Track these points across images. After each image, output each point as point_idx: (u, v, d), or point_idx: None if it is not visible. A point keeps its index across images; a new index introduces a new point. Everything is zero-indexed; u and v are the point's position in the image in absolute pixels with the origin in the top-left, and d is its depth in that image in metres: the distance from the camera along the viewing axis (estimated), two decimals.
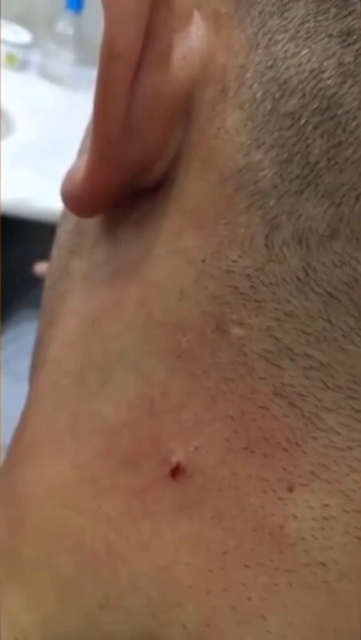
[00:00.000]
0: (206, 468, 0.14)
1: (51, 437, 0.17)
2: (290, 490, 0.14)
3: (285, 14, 0.14)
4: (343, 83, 0.13)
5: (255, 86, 0.14)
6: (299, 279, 0.13)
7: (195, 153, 0.15)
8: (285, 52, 0.13)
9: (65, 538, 0.15)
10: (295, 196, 0.13)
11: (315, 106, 0.13)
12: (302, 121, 0.13)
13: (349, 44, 0.13)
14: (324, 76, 0.13)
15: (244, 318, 0.14)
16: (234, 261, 0.14)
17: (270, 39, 0.14)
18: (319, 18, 0.13)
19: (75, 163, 0.17)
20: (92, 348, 0.16)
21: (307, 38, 0.13)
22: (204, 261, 0.14)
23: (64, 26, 1.09)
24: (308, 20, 0.13)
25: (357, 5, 0.13)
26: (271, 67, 0.14)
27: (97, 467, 0.15)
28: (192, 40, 0.15)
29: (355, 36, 0.13)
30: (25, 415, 0.18)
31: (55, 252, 0.20)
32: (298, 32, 0.13)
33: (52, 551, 0.15)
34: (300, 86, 0.13)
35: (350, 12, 0.13)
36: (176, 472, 0.14)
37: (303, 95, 0.13)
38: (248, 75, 0.14)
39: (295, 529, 0.14)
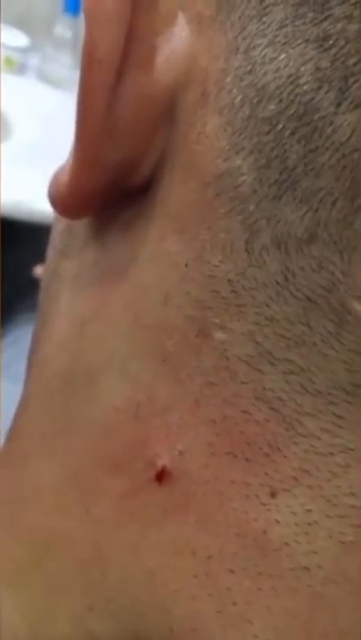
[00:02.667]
0: (191, 472, 0.14)
1: (41, 440, 0.17)
2: (272, 495, 0.14)
3: (264, 19, 0.13)
4: (320, 88, 0.13)
5: (234, 91, 0.14)
6: (278, 283, 0.13)
7: (178, 157, 0.15)
8: (264, 57, 0.13)
9: (54, 541, 0.15)
10: (274, 200, 0.13)
11: (292, 111, 0.13)
12: (280, 126, 0.13)
13: (326, 49, 0.13)
14: (301, 81, 0.13)
15: (225, 322, 0.14)
16: (215, 266, 0.14)
17: (249, 44, 0.14)
18: (297, 22, 0.13)
19: (61, 165, 0.17)
20: (80, 351, 0.16)
21: (284, 43, 0.13)
22: (187, 265, 0.14)
23: (62, 29, 1.09)
24: (286, 25, 0.13)
25: (334, 10, 0.13)
26: (250, 72, 0.14)
27: (85, 470, 0.15)
28: (175, 42, 0.15)
29: (331, 41, 0.13)
30: (17, 416, 0.18)
31: (50, 252, 0.21)
32: (276, 37, 0.13)
33: (43, 554, 0.15)
34: (277, 92, 0.13)
35: (327, 17, 0.13)
36: (162, 476, 0.14)
37: (280, 100, 0.13)
38: (228, 79, 0.14)
39: (278, 534, 0.14)
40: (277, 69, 0.13)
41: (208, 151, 0.14)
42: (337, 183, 0.13)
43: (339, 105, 0.13)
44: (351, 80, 0.12)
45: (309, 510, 0.14)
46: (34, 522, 0.16)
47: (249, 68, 0.14)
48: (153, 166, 0.16)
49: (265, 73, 0.13)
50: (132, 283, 0.16)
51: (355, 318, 0.13)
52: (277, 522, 0.14)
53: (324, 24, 0.13)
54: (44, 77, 1.10)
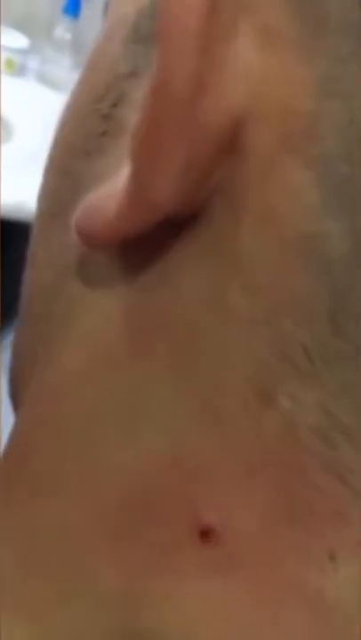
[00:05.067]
0: (241, 533, 0.13)
1: (55, 479, 0.15)
2: (332, 559, 0.13)
3: None
4: None
5: (331, 143, 0.12)
6: None
7: (248, 201, 0.13)
8: None
9: (78, 580, 0.15)
10: None
11: None
12: None
13: None
14: None
15: (295, 390, 0.13)
16: (290, 329, 0.13)
17: (352, 89, 0.12)
18: None
19: (97, 196, 0.14)
20: (111, 390, 0.15)
21: None
22: (252, 323, 0.13)
23: (62, 31, 1.09)
24: None
25: None
26: (351, 122, 0.12)
27: (114, 515, 0.14)
28: (240, 59, 0.12)
29: None
30: (21, 446, 0.17)
31: (44, 260, 0.18)
32: None
33: (65, 592, 0.15)
34: None
35: None
36: (206, 534, 0.14)
37: None
38: (321, 126, 0.12)
39: (335, 597, 0.13)
40: None
41: (293, 207, 0.13)
42: None
43: None
44: None
45: None
46: (56, 560, 0.15)
47: (350, 117, 0.12)
48: (206, 200, 0.13)
49: None
50: (178, 330, 0.14)
51: None
52: (335, 586, 0.13)
53: None
54: (44, 79, 1.11)
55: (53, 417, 0.16)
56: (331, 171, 0.12)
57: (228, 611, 0.14)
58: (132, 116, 0.15)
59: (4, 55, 1.07)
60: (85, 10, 1.08)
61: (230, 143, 0.13)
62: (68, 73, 1.08)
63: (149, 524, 0.14)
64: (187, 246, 0.14)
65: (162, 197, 0.13)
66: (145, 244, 0.14)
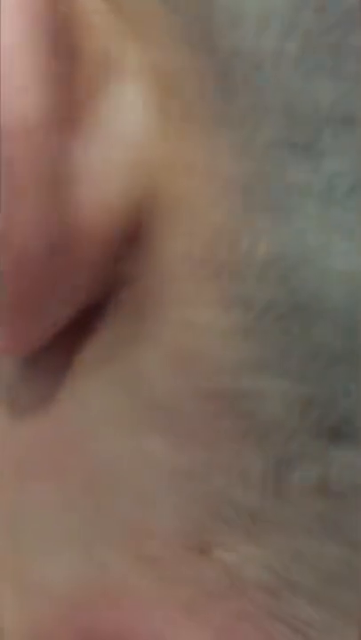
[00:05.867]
0: None
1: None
2: None
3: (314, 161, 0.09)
4: None
5: (251, 281, 0.10)
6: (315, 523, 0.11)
7: (154, 328, 0.11)
8: (324, 243, 0.09)
9: None
10: (311, 436, 0.10)
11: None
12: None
13: None
14: None
15: (233, 545, 0.11)
16: (218, 488, 0.11)
17: (293, 203, 0.09)
18: None
19: None
20: (22, 507, 0.13)
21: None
22: (175, 474, 0.11)
23: None
24: None
25: None
26: (282, 257, 0.10)
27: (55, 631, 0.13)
28: (119, 132, 0.10)
29: None
30: None
31: None
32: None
33: None
34: (339, 304, 0.09)
35: None
36: None
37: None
38: (243, 255, 0.10)
39: None
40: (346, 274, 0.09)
41: (211, 354, 0.11)
42: None
43: None
44: None
45: None
46: None
47: (279, 249, 0.10)
48: (111, 293, 0.11)
49: (312, 266, 0.09)
50: (94, 464, 0.12)
51: None
52: None
53: None
54: None
55: None
56: (260, 315, 0.10)
57: None
58: None
59: None
60: None
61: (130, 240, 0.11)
62: None
63: None
64: (93, 350, 0.12)
65: (39, 334, 0.11)
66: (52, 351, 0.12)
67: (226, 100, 0.09)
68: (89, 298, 0.11)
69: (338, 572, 0.11)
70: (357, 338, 0.09)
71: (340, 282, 0.09)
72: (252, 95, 0.09)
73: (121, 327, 0.11)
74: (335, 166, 0.09)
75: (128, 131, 0.10)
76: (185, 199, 0.10)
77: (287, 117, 0.09)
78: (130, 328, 0.11)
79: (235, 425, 0.11)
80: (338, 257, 0.09)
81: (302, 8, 0.09)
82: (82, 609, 0.13)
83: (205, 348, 0.10)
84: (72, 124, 0.09)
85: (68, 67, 0.09)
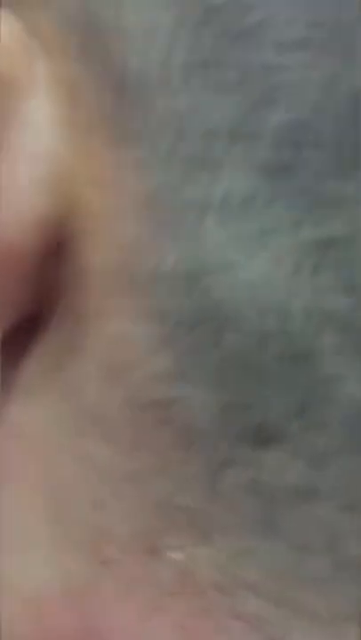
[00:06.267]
0: None
1: None
2: None
3: (216, 178, 0.10)
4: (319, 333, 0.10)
5: (163, 294, 0.10)
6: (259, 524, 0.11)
7: (88, 339, 0.11)
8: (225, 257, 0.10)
9: None
10: (238, 440, 0.11)
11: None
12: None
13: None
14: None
15: (185, 546, 0.12)
16: (163, 492, 0.12)
17: (193, 217, 0.10)
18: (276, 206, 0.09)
19: None
20: None
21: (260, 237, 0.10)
22: (122, 479, 0.12)
23: None
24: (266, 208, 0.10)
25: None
26: (188, 270, 0.10)
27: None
28: (31, 145, 0.10)
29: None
30: None
31: None
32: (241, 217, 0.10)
33: None
34: (245, 312, 0.10)
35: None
36: None
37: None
38: (162, 263, 0.10)
39: None
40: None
41: (139, 364, 0.11)
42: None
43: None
44: None
45: None
46: None
47: (184, 263, 0.10)
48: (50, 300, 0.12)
49: (214, 277, 0.10)
50: (47, 473, 0.12)
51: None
52: None
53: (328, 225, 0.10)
54: None
55: None
56: (174, 327, 0.10)
57: None
58: None
59: None
60: None
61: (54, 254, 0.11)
62: None
63: None
64: (37, 356, 0.12)
65: None
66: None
67: (125, 115, 0.10)
68: (20, 311, 0.11)
69: (288, 570, 0.11)
70: (265, 345, 0.10)
71: (241, 291, 0.10)
72: (146, 110, 0.10)
73: (59, 340, 0.11)
74: (228, 179, 0.09)
75: (37, 146, 0.10)
76: (100, 214, 0.10)
77: (180, 132, 0.09)
78: (67, 341, 0.11)
79: (169, 432, 0.11)
80: (237, 268, 0.10)
81: (186, 22, 0.09)
82: (48, 610, 0.13)
83: (133, 359, 0.11)
84: None
85: None
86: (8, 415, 0.12)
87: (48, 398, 0.12)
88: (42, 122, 0.10)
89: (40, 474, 0.13)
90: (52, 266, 0.11)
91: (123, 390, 0.11)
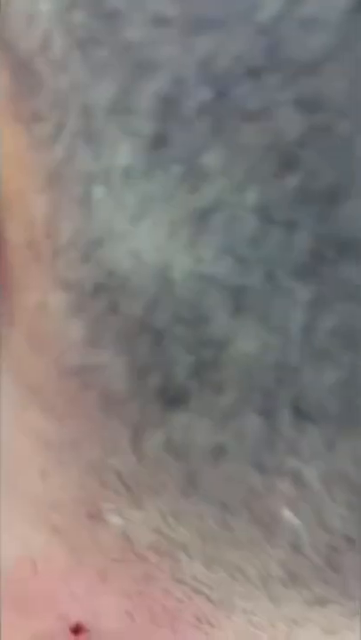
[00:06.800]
0: (110, 631, 0.14)
1: None
2: None
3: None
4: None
5: (71, 264, 0.11)
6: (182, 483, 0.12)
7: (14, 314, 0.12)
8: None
9: None
10: (152, 404, 0.11)
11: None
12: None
13: None
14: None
15: (122, 510, 0.12)
16: (96, 457, 0.12)
17: (84, 189, 0.11)
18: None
19: None
20: None
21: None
22: (59, 446, 0.13)
23: None
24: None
25: None
26: (86, 241, 0.11)
27: None
28: None
29: None
30: None
31: None
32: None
33: None
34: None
35: None
36: (77, 630, 0.14)
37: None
38: (61, 234, 0.11)
39: None
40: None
41: (57, 334, 0.12)
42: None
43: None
44: None
45: None
46: None
47: (82, 234, 0.11)
48: None
49: (106, 247, 0.11)
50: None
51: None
52: None
53: None
54: None
55: None
56: (83, 295, 0.11)
57: None
58: None
59: None
60: None
61: None
62: None
63: (26, 616, 0.14)
64: None
65: None
66: None
67: (25, 95, 0.11)
68: None
69: (218, 532, 0.12)
70: (155, 310, 0.10)
71: (128, 259, 0.10)
72: (40, 90, 0.11)
73: (1, 313, 0.12)
74: (109, 152, 0.10)
75: None
76: (16, 190, 0.11)
77: (66, 110, 0.10)
78: (5, 314, 0.12)
79: (92, 398, 0.12)
80: (124, 237, 0.10)
81: (60, 6, 0.10)
82: (12, 580, 0.14)
83: (54, 328, 0.11)
84: None
85: None
86: None
87: None
88: None
89: None
90: None
91: (49, 358, 0.12)
